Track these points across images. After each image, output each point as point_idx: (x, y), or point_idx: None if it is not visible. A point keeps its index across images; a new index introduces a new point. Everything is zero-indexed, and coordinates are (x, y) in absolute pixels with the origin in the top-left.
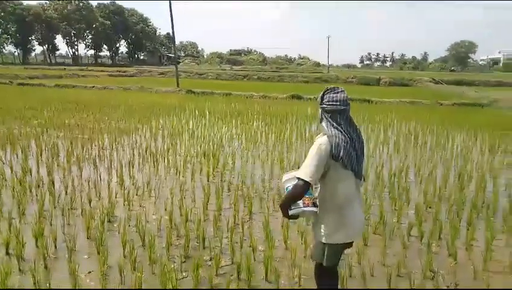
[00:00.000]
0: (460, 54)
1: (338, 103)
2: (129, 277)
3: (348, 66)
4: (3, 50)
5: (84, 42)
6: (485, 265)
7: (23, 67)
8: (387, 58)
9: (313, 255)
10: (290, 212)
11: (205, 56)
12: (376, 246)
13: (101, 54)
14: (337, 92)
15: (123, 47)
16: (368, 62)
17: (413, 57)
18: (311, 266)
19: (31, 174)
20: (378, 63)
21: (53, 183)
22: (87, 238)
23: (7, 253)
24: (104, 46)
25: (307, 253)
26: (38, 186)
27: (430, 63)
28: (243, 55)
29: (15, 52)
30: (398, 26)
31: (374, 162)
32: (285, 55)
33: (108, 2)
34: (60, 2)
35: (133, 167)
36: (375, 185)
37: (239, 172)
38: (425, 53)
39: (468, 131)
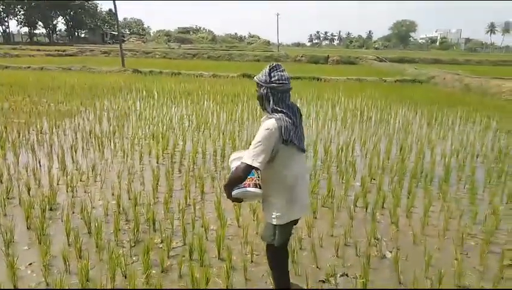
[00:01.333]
0: (402, 33)
1: (286, 81)
2: (74, 265)
3: (298, 45)
4: None
5: (16, 18)
6: (423, 230)
7: None
8: (335, 37)
9: (264, 236)
10: (233, 193)
11: (152, 34)
12: (324, 218)
13: (37, 31)
14: (283, 70)
15: (61, 24)
16: (316, 41)
17: (359, 35)
18: (262, 243)
19: None
20: (326, 42)
21: None
22: (27, 228)
23: None
24: (40, 23)
25: (258, 230)
26: None
27: (375, 42)
28: (191, 33)
29: None
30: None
31: (323, 138)
32: (235, 34)
33: None
34: None
35: (76, 152)
36: (323, 160)
37: (190, 153)
38: (370, 32)
39: (409, 106)
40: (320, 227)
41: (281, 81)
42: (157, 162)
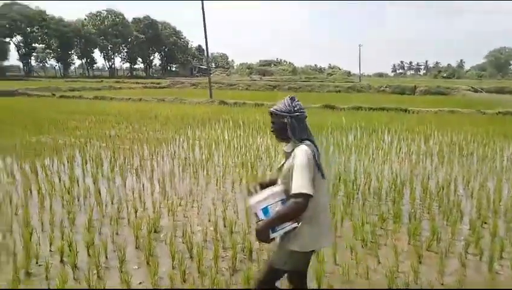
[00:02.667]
0: (500, 61)
1: (304, 111)
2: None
3: (380, 75)
4: (46, 64)
5: (120, 56)
6: None
7: (63, 81)
8: (421, 67)
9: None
10: (274, 235)
11: (235, 67)
12: (431, 264)
13: (136, 66)
14: (298, 100)
15: (156, 59)
16: (400, 71)
17: (448, 64)
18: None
19: (78, 184)
20: (411, 72)
21: (99, 192)
22: (136, 248)
23: (61, 261)
24: (139, 59)
25: (358, 270)
26: (86, 196)
27: (467, 71)
28: (272, 65)
29: (56, 66)
30: (433, 34)
31: (419, 175)
32: (315, 65)
33: (142, 16)
34: (98, 18)
35: (174, 177)
36: (422, 199)
37: None
38: (461, 60)
39: None
40: (428, 273)
41: (302, 110)
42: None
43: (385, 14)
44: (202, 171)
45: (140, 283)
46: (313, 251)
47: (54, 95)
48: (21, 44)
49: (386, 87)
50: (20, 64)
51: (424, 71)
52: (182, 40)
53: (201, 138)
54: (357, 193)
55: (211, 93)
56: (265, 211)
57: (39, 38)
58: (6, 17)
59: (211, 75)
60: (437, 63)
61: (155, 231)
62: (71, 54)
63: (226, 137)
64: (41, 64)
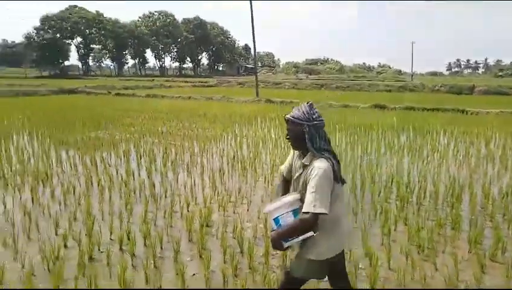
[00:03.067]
0: None
1: (322, 119)
2: (230, 281)
3: (434, 74)
4: (102, 64)
5: (170, 55)
6: None
7: (118, 79)
8: (480, 65)
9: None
10: (287, 245)
11: (281, 66)
12: (495, 275)
13: (185, 66)
14: (316, 108)
15: (204, 59)
16: (456, 69)
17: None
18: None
19: (133, 177)
20: (469, 70)
21: (154, 186)
22: (189, 241)
23: (120, 249)
24: (188, 58)
25: (414, 275)
26: (141, 188)
27: None
28: (319, 64)
29: (111, 65)
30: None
31: (479, 180)
32: (364, 63)
33: (192, 17)
34: (150, 19)
35: (223, 174)
36: (484, 206)
37: None
38: None
39: None
40: (493, 284)
41: (320, 118)
42: None
43: (436, 12)
44: (250, 169)
45: (193, 274)
46: (328, 263)
47: (109, 92)
48: (80, 45)
49: (441, 86)
50: (79, 64)
51: (483, 70)
52: (229, 39)
53: (249, 136)
54: (411, 197)
55: (257, 92)
56: (276, 221)
57: (97, 39)
58: (69, 20)
59: (258, 74)
60: (498, 61)
61: (207, 225)
62: (125, 54)
63: (273, 135)
64: (97, 64)
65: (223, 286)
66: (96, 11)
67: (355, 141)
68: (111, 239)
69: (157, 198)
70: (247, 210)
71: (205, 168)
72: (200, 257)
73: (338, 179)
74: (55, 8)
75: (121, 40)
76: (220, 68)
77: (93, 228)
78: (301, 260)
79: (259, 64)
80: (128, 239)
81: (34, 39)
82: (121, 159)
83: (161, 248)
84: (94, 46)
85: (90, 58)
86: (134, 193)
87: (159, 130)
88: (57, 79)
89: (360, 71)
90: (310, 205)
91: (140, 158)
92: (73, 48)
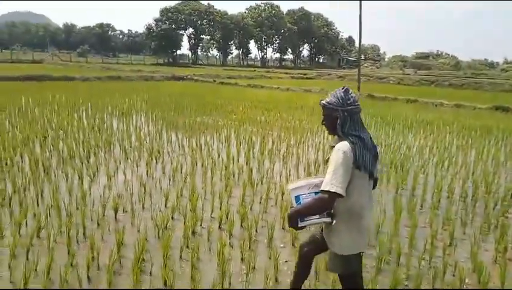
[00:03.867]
0: None
1: (359, 104)
2: (324, 275)
3: None
4: (209, 54)
5: (272, 46)
6: None
7: (222, 69)
8: None
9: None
10: (302, 224)
11: (386, 59)
12: None
13: (285, 57)
14: (352, 93)
15: (305, 50)
16: None
17: None
18: None
19: (233, 162)
20: None
21: (251, 171)
22: (282, 228)
23: (219, 227)
24: (289, 50)
25: None
26: (240, 173)
27: None
28: (430, 58)
29: (217, 55)
30: None
31: None
32: (485, 59)
33: (297, 8)
34: (256, 10)
35: (319, 167)
36: None
37: (433, 189)
38: None
39: None
40: None
41: (356, 103)
42: (396, 192)
43: None
44: None
45: (286, 261)
46: (358, 255)
47: (214, 81)
48: (192, 35)
49: None
50: (189, 53)
51: None
52: (333, 31)
53: None
54: None
55: (359, 86)
56: (297, 199)
57: (206, 30)
58: (183, 12)
59: (360, 68)
60: None
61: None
62: (230, 44)
63: (373, 132)
64: (205, 54)
65: (315, 276)
66: (208, 3)
67: (468, 144)
68: (211, 217)
69: (254, 184)
70: None
71: (301, 160)
72: (293, 245)
73: (360, 166)
74: (173, 1)
75: (227, 31)
76: (321, 60)
77: (197, 204)
78: (333, 256)
79: (363, 57)
80: (227, 219)
81: (153, 30)
82: (222, 144)
83: (256, 231)
84: (203, 36)
85: (199, 48)
86: (233, 176)
87: (258, 119)
88: (169, 67)
89: (480, 67)
90: (326, 184)
91: (240, 145)
92: (185, 38)
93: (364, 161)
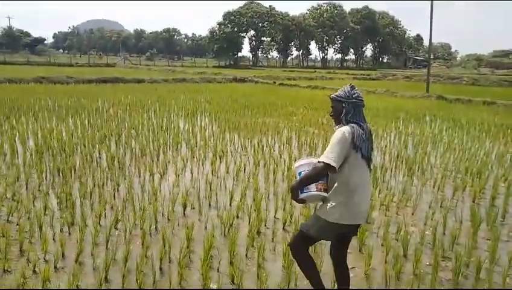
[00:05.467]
0: None
1: (362, 99)
2: (393, 284)
3: None
4: (269, 55)
5: (334, 47)
6: None
7: (282, 70)
8: None
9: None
10: (301, 196)
11: (458, 59)
12: None
13: (347, 58)
14: (358, 89)
15: (368, 50)
16: None
17: None
18: None
19: (295, 163)
20: None
21: None
22: None
23: (283, 229)
24: (351, 50)
25: None
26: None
27: None
28: (511, 57)
29: (277, 56)
30: None
31: None
32: None
33: (360, 7)
34: (318, 11)
35: (385, 172)
36: None
37: None
38: None
39: None
40: None
41: (360, 98)
42: (474, 201)
43: None
44: (417, 171)
45: (353, 267)
46: (337, 228)
47: (274, 82)
48: (253, 38)
49: None
50: (250, 55)
51: None
52: (399, 29)
53: (415, 134)
54: None
55: (428, 86)
56: (299, 174)
57: (267, 32)
58: (245, 16)
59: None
60: None
61: (367, 222)
62: (291, 45)
63: (445, 137)
64: (265, 56)
65: (385, 286)
66: (270, 5)
67: None
68: (275, 217)
69: None
70: (412, 214)
71: None
72: (360, 251)
73: (357, 146)
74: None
75: (288, 32)
76: (385, 60)
77: (261, 204)
78: (315, 219)
79: (432, 57)
80: (291, 221)
81: (216, 33)
82: (283, 145)
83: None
84: (264, 38)
85: (259, 50)
86: (296, 177)
87: (319, 121)
88: (231, 69)
89: None
90: (323, 157)
91: (302, 146)
92: (245, 41)
93: (361, 143)
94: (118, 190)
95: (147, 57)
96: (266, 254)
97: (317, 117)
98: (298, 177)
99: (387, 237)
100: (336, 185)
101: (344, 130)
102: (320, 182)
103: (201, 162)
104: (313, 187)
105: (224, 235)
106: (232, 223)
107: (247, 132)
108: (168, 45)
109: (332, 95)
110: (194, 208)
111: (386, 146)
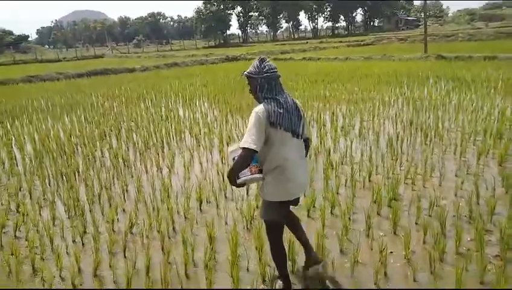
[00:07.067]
0: None
1: (275, 70)
2: (438, 268)
3: None
4: (258, 30)
5: (323, 15)
6: None
7: (273, 44)
8: None
9: (260, 213)
10: (238, 181)
11: (450, 15)
12: None
13: (337, 25)
14: (268, 61)
15: (359, 15)
16: None
17: None
18: None
19: None
20: None
21: (328, 153)
22: (377, 214)
23: (308, 215)
24: (341, 17)
25: None
26: (316, 154)
27: None
28: (503, 8)
29: (266, 31)
30: None
31: None
32: None
33: None
34: None
35: (402, 142)
36: None
37: None
38: None
39: None
40: None
41: (272, 70)
42: (501, 165)
43: None
44: (434, 137)
45: (391, 252)
46: (284, 204)
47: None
48: (240, 14)
49: None
50: (239, 32)
51: None
52: None
53: (422, 98)
54: None
55: (425, 47)
56: (233, 160)
57: (254, 6)
58: None
59: (420, 27)
60: None
61: (394, 199)
62: (279, 18)
63: (454, 98)
64: (254, 31)
65: (429, 269)
66: None
67: None
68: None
69: (334, 165)
70: (439, 185)
71: (379, 135)
72: (395, 233)
73: (274, 123)
74: None
75: (276, 5)
76: (376, 24)
77: None
78: (263, 203)
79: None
80: (314, 206)
81: (202, 13)
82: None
83: (349, 219)
84: (252, 13)
85: (248, 26)
86: (310, 158)
87: (322, 93)
88: (221, 48)
89: None
90: (242, 142)
91: (309, 123)
92: (233, 18)
93: (279, 119)
94: (127, 190)
95: (135, 44)
96: (296, 246)
97: (319, 90)
98: (232, 163)
99: (420, 214)
100: (265, 164)
101: (257, 110)
102: (253, 164)
103: (209, 150)
104: (247, 171)
105: (247, 229)
106: (253, 215)
107: (249, 113)
108: (154, 29)
109: (245, 72)
110: (209, 202)
111: (396, 114)
